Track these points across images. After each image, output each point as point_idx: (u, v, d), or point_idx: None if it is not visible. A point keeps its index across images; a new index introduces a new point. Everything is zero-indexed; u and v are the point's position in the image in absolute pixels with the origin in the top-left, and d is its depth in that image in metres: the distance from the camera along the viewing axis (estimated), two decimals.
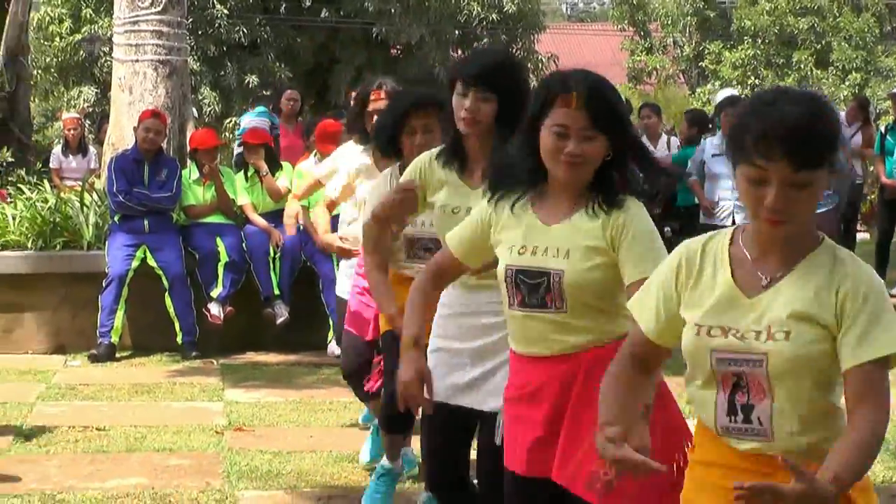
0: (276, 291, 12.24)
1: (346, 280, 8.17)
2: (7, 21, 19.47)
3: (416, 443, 6.94)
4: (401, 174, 6.05)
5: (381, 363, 7.22)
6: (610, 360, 4.08)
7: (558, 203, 4.64)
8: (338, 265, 11.78)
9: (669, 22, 46.76)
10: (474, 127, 5.30)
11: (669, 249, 4.01)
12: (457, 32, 33.85)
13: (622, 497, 4.27)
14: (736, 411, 3.62)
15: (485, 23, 33.44)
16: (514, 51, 32.79)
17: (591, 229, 4.56)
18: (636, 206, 4.58)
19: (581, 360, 4.65)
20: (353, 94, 8.99)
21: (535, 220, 4.65)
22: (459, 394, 5.44)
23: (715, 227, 5.65)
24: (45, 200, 13.04)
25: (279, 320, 12.14)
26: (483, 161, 5.35)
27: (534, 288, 4.60)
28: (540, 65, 33.80)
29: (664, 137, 16.17)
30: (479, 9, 32.94)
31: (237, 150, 14.70)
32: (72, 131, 17.93)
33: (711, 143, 13.85)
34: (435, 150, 5.62)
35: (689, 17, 46.44)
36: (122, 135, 13.58)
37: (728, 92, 18.66)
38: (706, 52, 45.81)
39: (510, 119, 5.15)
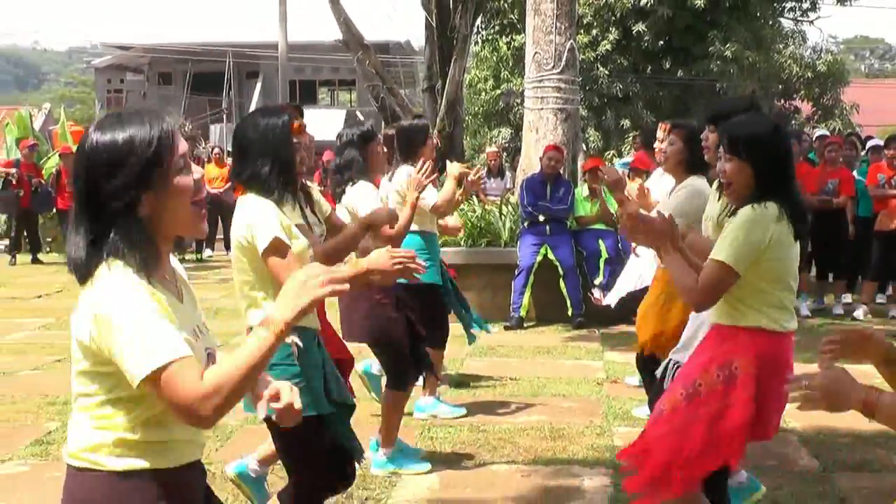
0: None
1: None
2: (447, 80, 19.96)
3: None
4: None
5: None
6: (727, 346, 4.25)
7: None
8: None
9: None
10: None
11: None
12: (780, 87, 33.30)
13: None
14: None
15: (801, 79, 32.89)
16: (824, 101, 33.29)
17: None
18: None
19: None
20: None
21: None
22: None
23: None
24: (474, 211, 13.29)
25: None
26: None
27: None
28: (844, 111, 33.38)
29: None
30: (797, 69, 32.48)
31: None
32: (493, 161, 18.19)
33: None
34: None
35: None
36: (530, 163, 13.73)
37: None
38: None
39: None
